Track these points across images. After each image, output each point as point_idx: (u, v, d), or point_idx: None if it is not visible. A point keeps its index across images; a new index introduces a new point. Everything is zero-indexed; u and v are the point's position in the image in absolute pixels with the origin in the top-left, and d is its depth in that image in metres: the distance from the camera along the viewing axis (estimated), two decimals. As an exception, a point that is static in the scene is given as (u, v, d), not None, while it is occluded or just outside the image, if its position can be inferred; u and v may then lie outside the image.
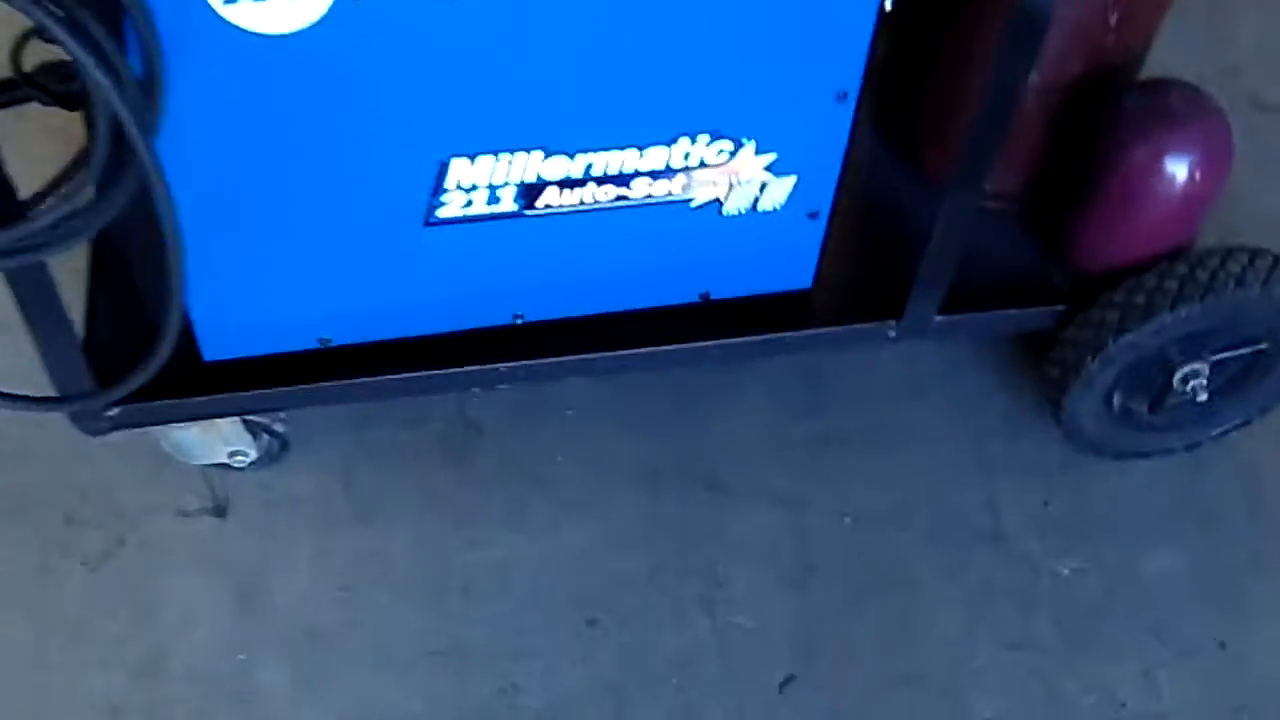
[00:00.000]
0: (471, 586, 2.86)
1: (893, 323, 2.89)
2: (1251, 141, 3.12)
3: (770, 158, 2.60)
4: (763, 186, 2.66)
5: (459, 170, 2.47)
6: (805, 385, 3.28)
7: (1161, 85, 2.84)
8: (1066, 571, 3.03)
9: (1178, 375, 2.95)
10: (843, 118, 2.57)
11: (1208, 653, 2.92)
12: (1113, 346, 2.83)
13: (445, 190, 2.50)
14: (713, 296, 2.88)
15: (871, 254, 3.05)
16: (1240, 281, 2.76)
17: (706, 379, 3.25)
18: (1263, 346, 2.95)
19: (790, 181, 2.67)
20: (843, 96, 2.52)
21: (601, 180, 2.56)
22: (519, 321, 2.80)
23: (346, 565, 2.89)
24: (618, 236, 2.70)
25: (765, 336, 2.87)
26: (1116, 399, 3.04)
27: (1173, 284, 2.79)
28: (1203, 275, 2.78)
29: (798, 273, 2.89)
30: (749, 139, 2.55)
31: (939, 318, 2.90)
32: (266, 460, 3.00)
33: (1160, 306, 2.78)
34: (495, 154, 2.46)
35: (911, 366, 3.33)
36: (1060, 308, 2.96)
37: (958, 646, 2.84)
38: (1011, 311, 2.96)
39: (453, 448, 3.11)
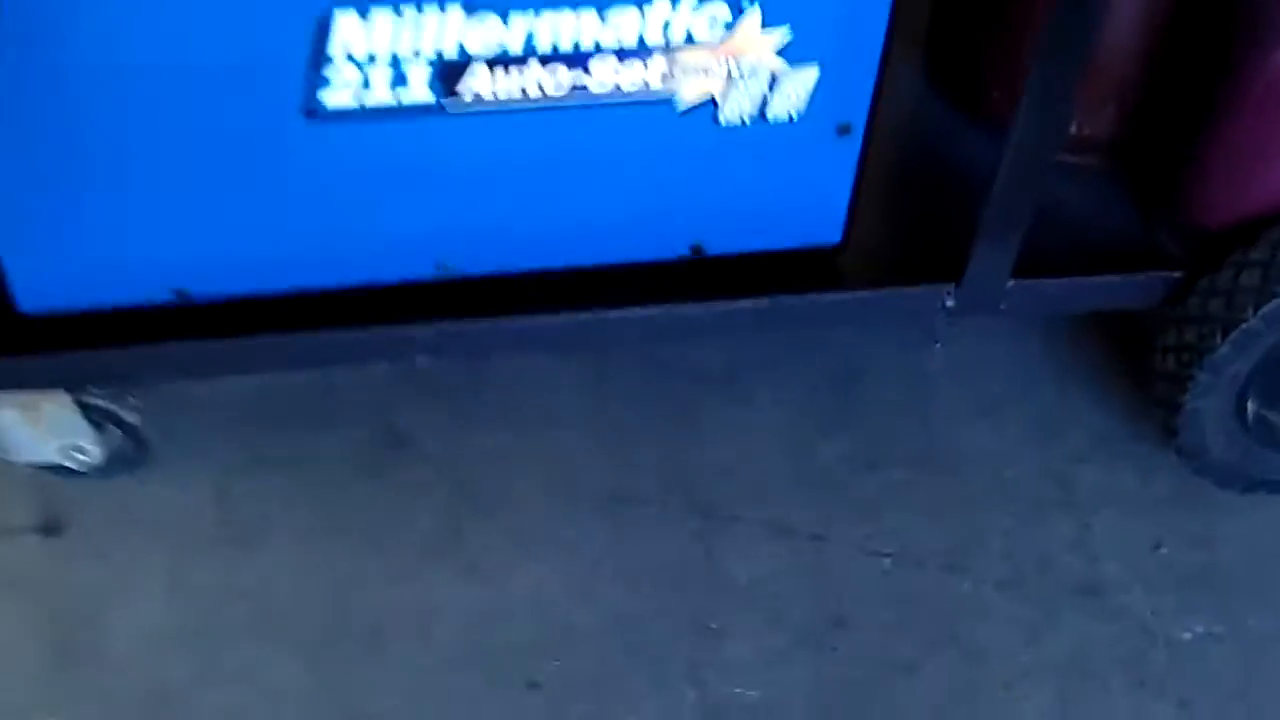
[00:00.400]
0: (379, 637, 2.15)
1: (950, 287, 2.15)
2: None
3: (782, 35, 1.90)
4: (773, 81, 1.95)
5: (347, 30, 1.78)
6: (833, 393, 2.55)
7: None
8: (1189, 636, 2.24)
9: (1333, 368, 2.19)
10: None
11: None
12: (1253, 321, 2.08)
13: (329, 60, 1.81)
14: (707, 251, 2.15)
15: (921, 206, 2.33)
16: None
17: (703, 380, 2.54)
18: None
19: (811, 75, 1.96)
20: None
21: (549, 58, 1.86)
22: (442, 273, 2.09)
23: (209, 604, 2.17)
24: (575, 153, 1.99)
25: (777, 298, 2.13)
26: (1251, 405, 2.27)
27: (1338, 232, 2.04)
28: (1377, 220, 2.04)
29: (824, 220, 2.17)
30: (752, 1, 1.85)
31: (1012, 282, 2.16)
32: (119, 465, 2.27)
33: (1320, 263, 2.03)
34: (396, 6, 1.77)
35: (975, 375, 2.58)
36: (1175, 274, 2.21)
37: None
38: (1108, 278, 2.22)
39: (366, 459, 2.39)
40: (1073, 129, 2.33)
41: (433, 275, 2.09)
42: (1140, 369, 2.40)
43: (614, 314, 2.11)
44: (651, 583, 2.27)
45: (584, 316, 2.11)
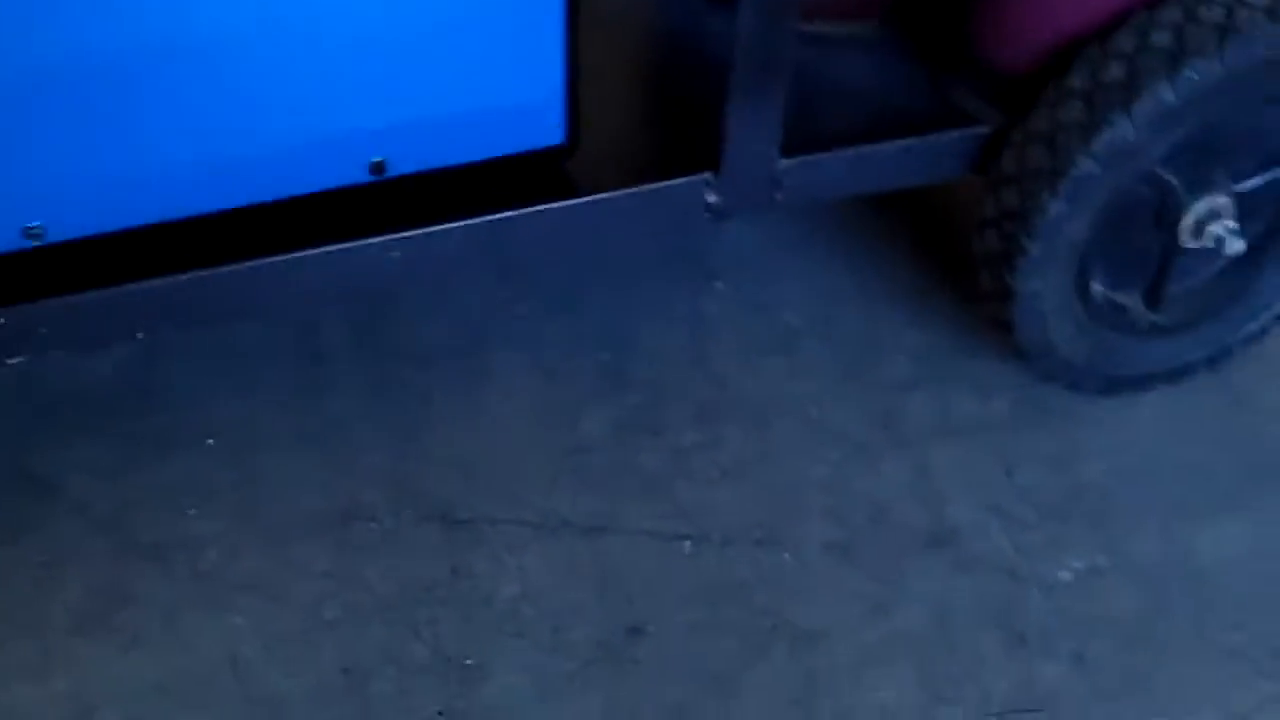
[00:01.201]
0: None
1: (709, 175, 1.68)
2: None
3: None
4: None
5: None
6: (597, 354, 2.08)
7: None
8: (1068, 576, 1.81)
9: (1187, 220, 1.78)
10: None
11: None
12: (1084, 163, 1.65)
13: None
14: (390, 171, 1.64)
15: (669, 94, 1.88)
16: (1276, 11, 1.62)
17: (433, 361, 2.03)
18: (1314, 156, 1.81)
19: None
20: None
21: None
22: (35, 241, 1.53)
23: None
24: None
25: (489, 217, 1.62)
26: (1097, 286, 1.86)
27: (1164, 37, 1.63)
28: (1213, 13, 1.63)
29: (538, 118, 1.68)
30: None
31: (784, 163, 1.70)
32: None
33: (1151, 76, 1.62)
34: None
35: (766, 310, 2.12)
36: (981, 130, 1.78)
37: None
38: (900, 145, 1.77)
39: (-11, 517, 1.79)
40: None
41: (18, 245, 1.53)
42: (962, 273, 1.98)
43: (276, 262, 1.58)
44: (386, 620, 1.72)
45: (239, 270, 1.57)
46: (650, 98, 1.93)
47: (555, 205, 1.65)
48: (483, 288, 2.14)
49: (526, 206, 1.63)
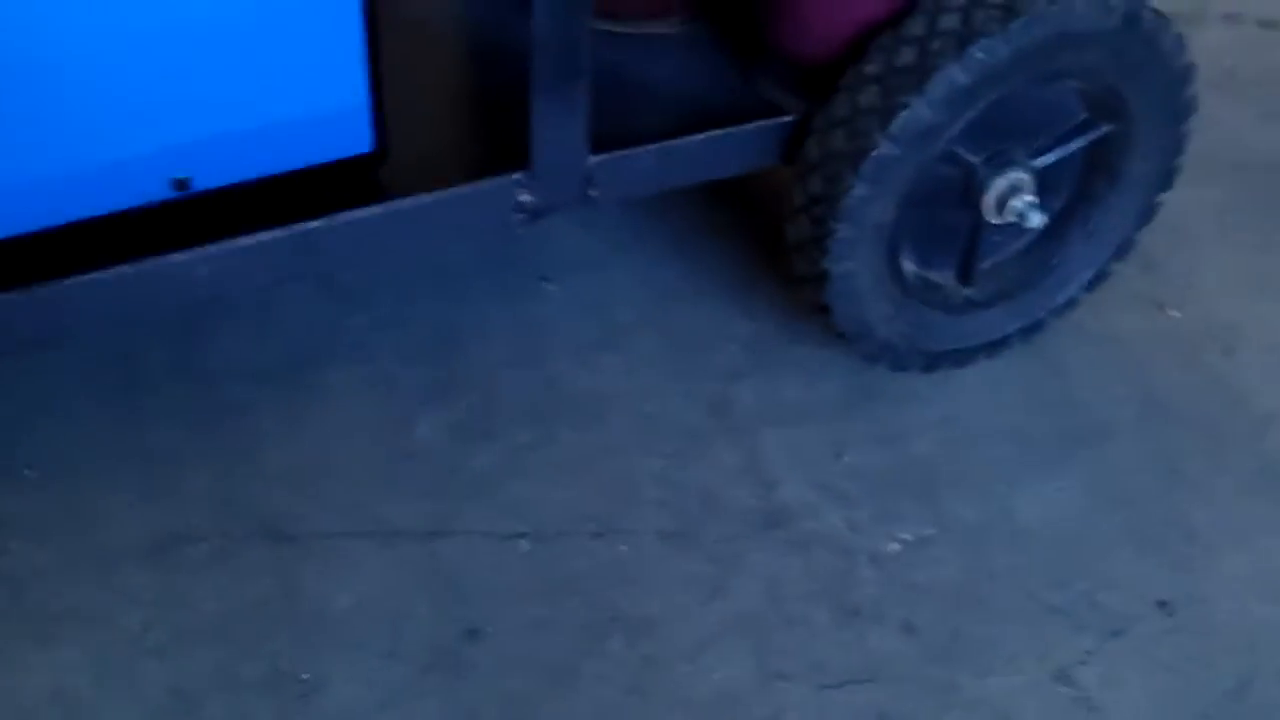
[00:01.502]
0: None
1: (522, 175, 1.69)
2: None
3: None
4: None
5: None
6: (429, 360, 2.08)
7: None
8: (897, 547, 1.85)
9: (990, 197, 1.84)
10: None
11: (1149, 619, 1.77)
12: (883, 145, 1.70)
13: None
14: (194, 187, 1.62)
15: (482, 96, 1.88)
16: (1056, -10, 1.69)
17: (258, 378, 2.02)
18: (1104, 129, 1.88)
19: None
20: None
21: None
22: None
23: None
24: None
25: (296, 227, 1.61)
26: (908, 265, 1.91)
27: (952, 20, 1.69)
28: (996, -6, 1.70)
29: (345, 126, 1.67)
30: None
31: (594, 159, 1.72)
32: None
33: (942, 58, 1.67)
34: None
35: (597, 308, 2.15)
36: (786, 119, 1.82)
37: (756, 701, 1.66)
38: (709, 137, 1.80)
39: None
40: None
41: None
42: (787, 261, 2.02)
43: (76, 284, 1.55)
44: (215, 641, 1.69)
45: (37, 294, 1.53)
46: (463, 99, 1.94)
47: (363, 212, 1.64)
48: (311, 303, 2.13)
49: (333, 215, 1.62)
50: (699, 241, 2.26)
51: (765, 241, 2.24)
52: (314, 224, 1.62)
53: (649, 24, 2.03)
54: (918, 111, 1.68)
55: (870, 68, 1.73)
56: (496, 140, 1.78)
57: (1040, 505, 1.91)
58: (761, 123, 1.82)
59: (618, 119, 1.83)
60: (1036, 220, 1.84)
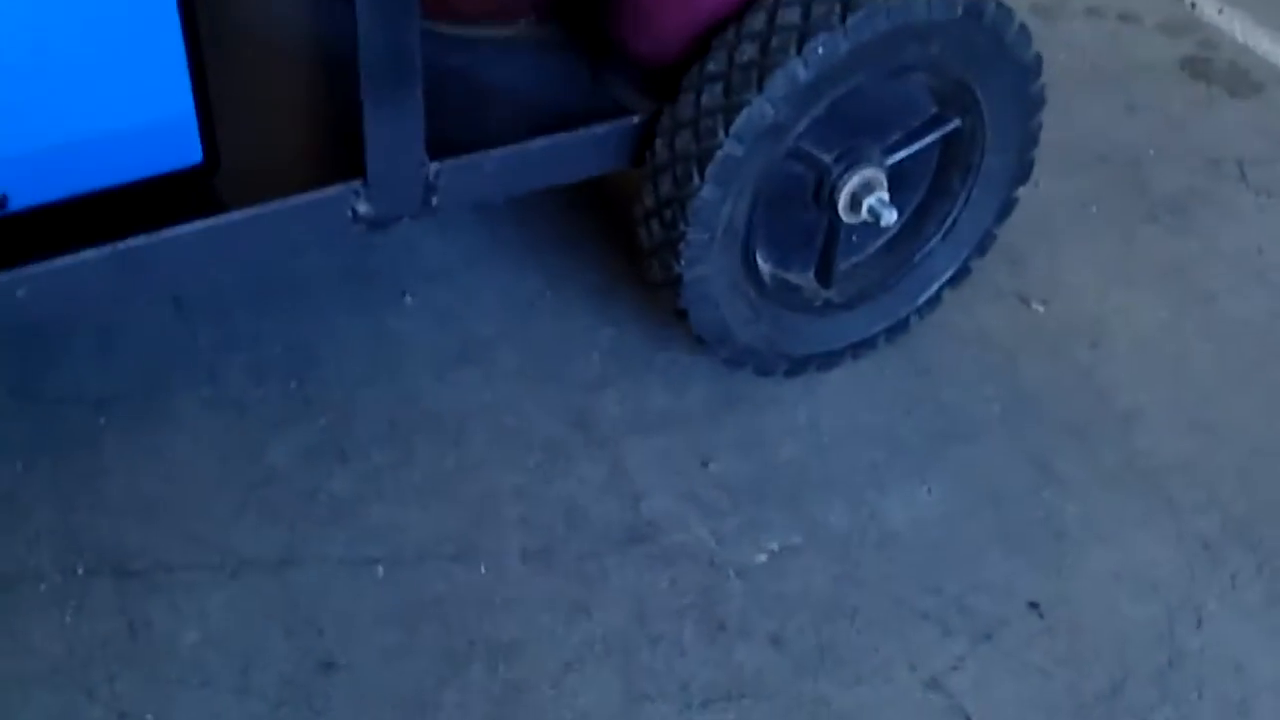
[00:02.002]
0: None
1: (358, 184, 1.63)
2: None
3: None
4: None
5: None
6: (282, 382, 2.00)
7: None
8: (764, 557, 1.83)
9: (843, 195, 1.81)
10: None
11: (1019, 621, 1.75)
12: (728, 144, 1.66)
13: None
14: (12, 205, 1.54)
15: (318, 105, 1.81)
16: (897, -16, 1.66)
17: (101, 404, 1.94)
18: (955, 124, 1.86)
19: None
20: None
21: None
22: None
23: None
24: None
25: (118, 243, 1.53)
26: (765, 265, 1.87)
27: (791, 15, 1.66)
28: (837, -10, 1.67)
29: (172, 138, 1.60)
30: None
31: (435, 166, 1.67)
32: None
33: (782, 53, 1.64)
34: None
35: (458, 322, 2.09)
36: (632, 120, 1.78)
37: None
38: (554, 141, 1.75)
39: None
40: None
41: None
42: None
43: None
44: (55, 684, 1.61)
45: None
46: (301, 108, 1.87)
47: (191, 227, 1.57)
48: (159, 323, 2.04)
49: (158, 231, 1.55)
50: (560, 248, 2.21)
51: (628, 246, 2.20)
52: (139, 240, 1.54)
53: (498, 26, 1.98)
54: (760, 109, 1.64)
55: (712, 66, 1.69)
56: (334, 149, 1.72)
57: (909, 508, 1.89)
58: (608, 125, 1.77)
59: (462, 124, 1.78)
60: (891, 218, 1.81)
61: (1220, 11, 2.94)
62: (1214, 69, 2.78)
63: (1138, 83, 2.72)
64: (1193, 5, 2.96)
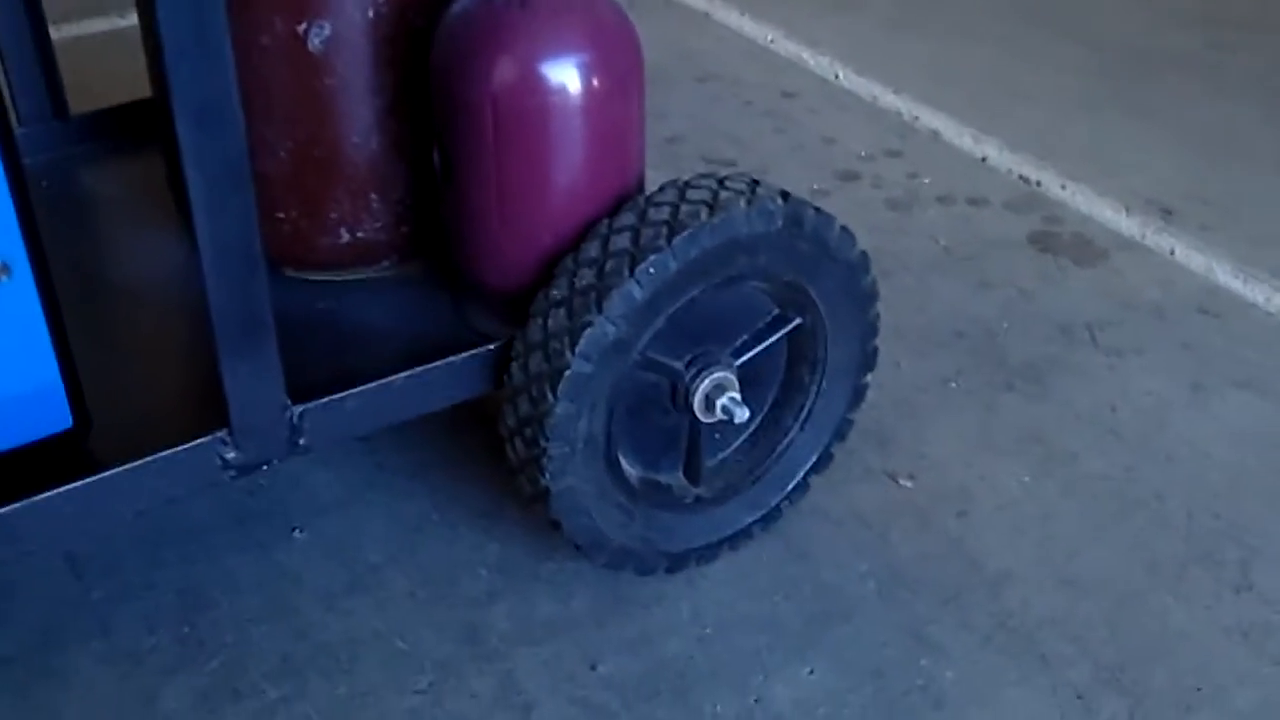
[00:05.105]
0: None
1: (224, 433, 1.71)
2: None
3: None
4: None
5: None
6: (174, 627, 2.04)
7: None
8: (653, 755, 1.84)
9: (698, 398, 1.92)
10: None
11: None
12: (576, 363, 1.77)
13: None
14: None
15: (189, 358, 1.90)
16: (714, 205, 1.80)
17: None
18: (797, 322, 1.98)
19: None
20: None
21: None
22: None
23: None
24: None
25: None
26: (632, 470, 1.96)
27: (622, 240, 1.79)
28: (660, 214, 1.80)
29: (38, 405, 1.67)
30: None
31: (297, 409, 1.76)
32: None
33: (616, 275, 1.76)
34: None
35: (348, 551, 2.15)
36: (490, 348, 1.89)
37: None
38: (415, 374, 1.86)
39: None
40: (346, 238, 2.03)
41: None
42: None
43: None
44: None
45: None
46: (170, 359, 1.96)
47: (65, 489, 1.64)
48: (49, 579, 2.09)
49: (27, 499, 1.62)
50: (445, 469, 2.29)
51: (509, 463, 2.29)
52: (9, 509, 1.61)
53: (362, 270, 2.10)
54: (602, 328, 1.76)
55: (555, 292, 1.81)
56: (205, 399, 1.80)
57: (794, 690, 1.94)
58: (466, 354, 1.88)
59: (327, 364, 1.88)
60: (743, 416, 1.92)
61: (1063, 187, 3.14)
62: (1060, 241, 2.96)
63: (989, 260, 2.89)
64: (1037, 184, 3.16)
